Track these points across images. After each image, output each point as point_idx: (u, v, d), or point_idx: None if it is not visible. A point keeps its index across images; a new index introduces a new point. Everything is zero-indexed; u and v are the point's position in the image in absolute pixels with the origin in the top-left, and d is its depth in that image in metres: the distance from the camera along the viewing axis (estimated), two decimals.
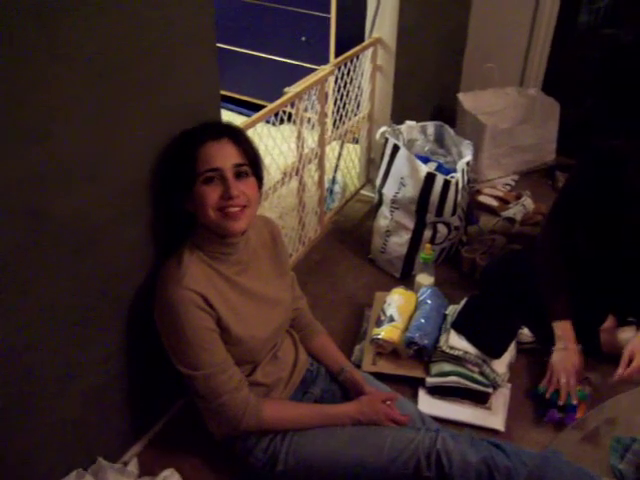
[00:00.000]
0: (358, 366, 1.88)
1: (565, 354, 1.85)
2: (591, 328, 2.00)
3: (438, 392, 1.85)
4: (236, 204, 1.36)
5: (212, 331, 1.38)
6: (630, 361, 1.74)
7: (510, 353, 1.93)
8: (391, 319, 1.96)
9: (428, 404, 1.82)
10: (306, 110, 2.19)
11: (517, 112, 3.03)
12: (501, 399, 1.85)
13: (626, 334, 1.96)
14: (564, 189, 2.02)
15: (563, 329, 1.88)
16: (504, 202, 2.74)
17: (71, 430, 1.43)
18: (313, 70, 2.28)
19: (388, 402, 1.56)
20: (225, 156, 1.35)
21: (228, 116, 3.13)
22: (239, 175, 1.37)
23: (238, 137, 1.40)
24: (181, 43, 1.35)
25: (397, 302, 2.03)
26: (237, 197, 1.35)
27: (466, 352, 1.85)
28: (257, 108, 2.08)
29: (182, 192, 1.38)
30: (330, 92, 2.46)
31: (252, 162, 1.41)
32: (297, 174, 2.26)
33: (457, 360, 1.85)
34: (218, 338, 1.40)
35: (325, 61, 2.28)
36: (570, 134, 3.00)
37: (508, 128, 2.86)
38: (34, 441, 1.34)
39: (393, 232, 2.31)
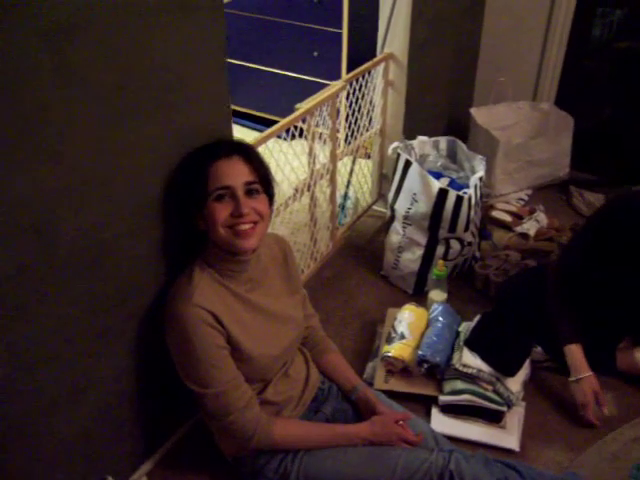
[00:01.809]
0: (370, 384, 1.86)
1: (582, 385, 1.83)
2: (607, 348, 1.99)
3: (451, 411, 1.82)
4: (247, 221, 1.35)
5: (222, 348, 1.37)
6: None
7: (524, 371, 1.90)
8: (402, 336, 1.95)
9: (441, 423, 1.80)
10: (318, 126, 2.18)
11: (530, 126, 3.01)
12: (516, 418, 1.82)
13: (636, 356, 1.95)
14: (588, 222, 2.01)
15: (573, 356, 1.85)
16: (518, 217, 2.71)
17: (80, 448, 1.42)
18: (325, 85, 2.28)
19: (401, 422, 1.53)
20: (236, 174, 1.35)
21: (240, 132, 3.13)
22: (250, 193, 1.37)
23: (249, 154, 1.40)
24: (192, 61, 1.35)
25: (408, 319, 2.01)
26: (248, 215, 1.35)
27: (480, 370, 1.82)
28: (269, 124, 2.08)
29: (193, 210, 1.38)
30: (342, 108, 2.45)
31: (263, 179, 1.41)
32: (309, 190, 2.26)
33: (470, 378, 1.82)
34: (228, 356, 1.39)
35: (337, 76, 2.28)
36: (584, 148, 2.99)
37: (521, 143, 2.84)
38: (42, 458, 1.33)
39: (405, 248, 2.29)
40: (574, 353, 1.85)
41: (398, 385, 1.89)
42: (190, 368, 1.37)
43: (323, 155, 2.31)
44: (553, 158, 2.91)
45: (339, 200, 2.62)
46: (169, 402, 1.66)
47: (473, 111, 2.96)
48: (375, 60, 2.47)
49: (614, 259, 1.89)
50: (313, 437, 1.48)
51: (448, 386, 1.84)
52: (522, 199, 2.88)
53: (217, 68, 1.44)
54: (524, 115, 3.03)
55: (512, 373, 1.84)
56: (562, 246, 2.10)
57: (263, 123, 3.41)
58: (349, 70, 2.33)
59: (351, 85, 2.38)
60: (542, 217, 2.67)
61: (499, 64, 3.12)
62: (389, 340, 1.97)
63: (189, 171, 1.39)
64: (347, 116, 2.48)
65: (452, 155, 2.49)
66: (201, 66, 1.38)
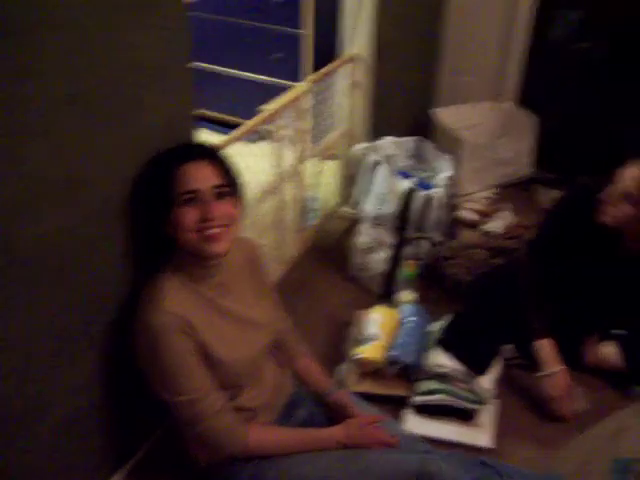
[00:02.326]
0: (342, 387, 1.84)
1: (555, 379, 1.85)
2: (574, 343, 2.00)
3: (425, 411, 1.82)
4: (216, 225, 1.33)
5: (194, 355, 1.34)
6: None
7: (496, 369, 1.91)
8: (372, 337, 1.93)
9: (415, 423, 1.79)
10: (284, 127, 2.16)
11: (494, 126, 3.04)
12: (489, 416, 1.82)
13: (608, 348, 1.97)
14: (547, 217, 2.04)
15: (545, 351, 1.86)
16: (484, 216, 2.73)
17: (46, 460, 1.38)
18: (290, 87, 2.26)
19: (375, 424, 1.52)
20: (204, 177, 1.32)
21: (205, 135, 3.09)
22: (219, 196, 1.34)
23: (216, 157, 1.37)
24: (155, 61, 1.32)
25: (378, 320, 2.00)
26: (217, 219, 1.32)
27: (452, 369, 1.82)
28: (235, 127, 2.05)
29: (161, 215, 1.35)
30: (307, 109, 2.44)
31: (231, 182, 1.38)
32: (276, 192, 2.23)
33: (443, 378, 1.82)
34: (200, 362, 1.36)
35: (302, 78, 2.26)
36: (547, 147, 3.03)
37: (486, 142, 2.87)
38: (7, 472, 1.29)
39: (374, 249, 2.28)
40: (545, 347, 1.86)
41: (370, 387, 1.87)
42: (162, 376, 1.34)
43: (290, 157, 2.29)
44: (517, 157, 2.94)
45: (306, 202, 2.60)
46: (138, 412, 1.62)
47: (438, 111, 2.97)
48: (340, 61, 2.46)
49: (574, 250, 1.91)
50: (288, 442, 1.46)
51: (421, 386, 1.84)
52: (488, 198, 2.90)
53: (181, 72, 1.41)
54: (488, 115, 3.05)
55: (483, 371, 1.85)
56: (527, 242, 2.12)
57: (228, 126, 3.38)
58: (314, 71, 2.31)
59: (316, 86, 2.37)
60: (508, 215, 2.69)
61: (463, 65, 3.15)
62: (360, 342, 1.96)
63: (155, 175, 1.36)
64: (313, 117, 2.46)
65: (419, 155, 2.50)
66: (165, 67, 1.36)
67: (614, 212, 1.76)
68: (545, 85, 3.21)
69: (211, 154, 1.37)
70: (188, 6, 1.35)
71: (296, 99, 2.19)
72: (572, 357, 1.96)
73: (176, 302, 1.32)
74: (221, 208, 1.33)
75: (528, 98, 3.16)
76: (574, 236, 1.90)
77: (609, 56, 3.10)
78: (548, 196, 2.86)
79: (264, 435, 1.45)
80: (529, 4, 2.96)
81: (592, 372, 1.98)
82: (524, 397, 1.92)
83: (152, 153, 1.38)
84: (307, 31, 2.22)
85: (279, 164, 2.20)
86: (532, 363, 1.91)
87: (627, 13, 2.94)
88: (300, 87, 2.24)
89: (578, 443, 1.72)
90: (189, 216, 1.31)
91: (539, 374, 1.87)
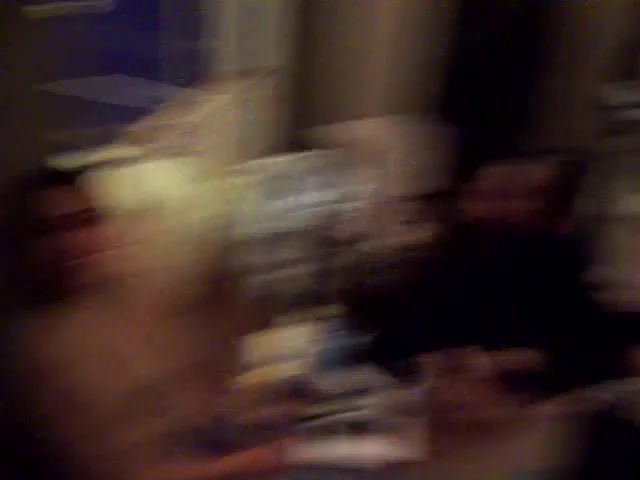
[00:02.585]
0: (243, 412, 1.76)
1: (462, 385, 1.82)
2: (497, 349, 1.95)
3: (337, 431, 1.74)
4: (83, 254, 1.25)
5: (86, 389, 1.26)
6: None
7: (425, 378, 1.85)
8: (271, 360, 1.88)
9: (322, 447, 1.73)
10: (182, 145, 2.10)
11: (405, 138, 3.03)
12: (410, 427, 1.75)
13: (509, 355, 1.90)
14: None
15: (463, 358, 1.83)
16: (407, 225, 2.71)
17: None
18: (191, 102, 2.20)
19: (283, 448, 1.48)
20: (71, 203, 1.25)
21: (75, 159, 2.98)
22: (85, 223, 1.26)
23: (82, 181, 1.30)
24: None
25: (299, 337, 1.97)
26: (84, 246, 1.25)
27: (379, 382, 1.80)
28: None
29: (26, 244, 1.26)
30: (206, 125, 2.38)
31: (100, 207, 1.31)
32: (177, 213, 2.15)
33: (370, 391, 1.79)
34: (94, 396, 1.27)
35: (198, 93, 2.22)
36: (462, 158, 3.04)
37: (396, 155, 2.86)
38: None
39: (282, 266, 2.23)
40: (456, 355, 1.83)
41: (291, 408, 1.77)
42: (50, 419, 1.24)
43: (189, 177, 2.22)
44: (433, 168, 2.96)
45: (211, 222, 2.53)
46: None
47: (349, 125, 2.95)
48: (249, 73, 2.40)
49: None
50: (203, 473, 1.39)
51: (348, 402, 1.78)
52: (400, 210, 2.89)
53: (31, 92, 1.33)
54: (398, 127, 3.05)
55: (412, 381, 1.82)
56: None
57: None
58: (212, 85, 2.27)
59: (226, 99, 2.31)
60: (423, 227, 2.68)
61: (365, 79, 3.13)
62: (255, 366, 1.88)
63: (16, 203, 1.27)
64: (220, 134, 2.40)
65: (337, 169, 2.47)
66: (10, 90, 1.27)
67: (502, 207, 1.76)
68: (460, 98, 3.25)
69: (78, 178, 1.30)
70: (43, 22, 1.27)
71: (193, 114, 2.13)
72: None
73: (60, 336, 1.27)
74: (89, 235, 1.26)
75: (437, 109, 3.18)
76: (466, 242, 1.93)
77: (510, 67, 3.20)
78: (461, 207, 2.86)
79: (174, 469, 1.36)
80: (440, 17, 2.98)
81: (506, 377, 1.90)
82: (454, 405, 1.85)
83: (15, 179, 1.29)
84: (219, 43, 2.17)
85: (177, 184, 2.12)
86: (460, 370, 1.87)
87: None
88: (209, 100, 2.17)
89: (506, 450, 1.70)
90: (55, 244, 1.23)
91: (457, 380, 1.83)
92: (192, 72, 3.02)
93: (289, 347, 1.93)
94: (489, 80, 3.24)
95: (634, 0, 2.29)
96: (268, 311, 2.27)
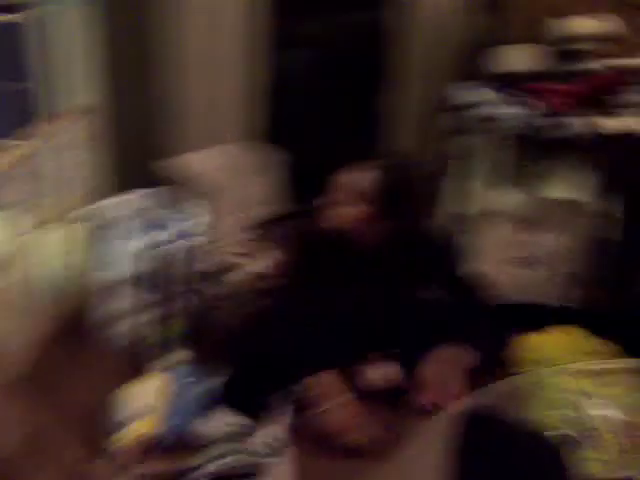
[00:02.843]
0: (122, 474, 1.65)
1: (337, 411, 1.80)
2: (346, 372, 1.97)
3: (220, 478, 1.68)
4: None
5: None
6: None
7: (286, 414, 1.83)
8: (143, 412, 1.77)
9: None
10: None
11: (240, 167, 3.02)
12: (285, 466, 1.73)
13: (386, 365, 1.98)
14: (298, 248, 2.10)
15: (322, 384, 1.83)
16: (249, 257, 2.67)
17: None
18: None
19: None
20: None
21: None
22: None
23: None
24: None
25: (148, 391, 1.84)
26: None
27: (239, 425, 1.73)
28: None
29: None
30: (36, 170, 2.21)
31: None
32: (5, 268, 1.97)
33: (231, 437, 1.72)
34: None
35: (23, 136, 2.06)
36: (298, 183, 3.07)
37: (233, 184, 2.84)
38: None
39: (134, 313, 2.13)
40: (324, 381, 1.82)
41: (153, 466, 1.69)
42: None
43: (21, 225, 2.05)
44: (270, 195, 2.96)
45: (47, 274, 2.34)
46: None
47: (182, 158, 2.87)
48: (67, 114, 2.26)
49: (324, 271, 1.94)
50: None
51: (210, 452, 1.70)
52: (251, 239, 2.86)
53: None
54: (233, 156, 3.03)
55: (272, 420, 1.78)
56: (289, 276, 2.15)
57: None
58: (34, 130, 2.11)
59: (45, 143, 2.15)
60: (272, 254, 2.66)
61: (198, 107, 3.08)
62: (129, 420, 1.77)
63: None
64: (44, 179, 2.23)
65: (171, 205, 2.39)
66: None
67: (342, 215, 1.79)
68: (283, 120, 3.27)
69: None
70: None
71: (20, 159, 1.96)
72: (353, 382, 1.94)
73: None
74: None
75: (270, 135, 3.19)
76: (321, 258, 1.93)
77: (334, 88, 3.28)
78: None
79: None
80: (259, 43, 2.98)
81: (375, 395, 1.95)
82: (320, 437, 1.84)
83: None
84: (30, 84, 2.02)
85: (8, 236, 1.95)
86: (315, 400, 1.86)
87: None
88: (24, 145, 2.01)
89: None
90: None
91: (321, 409, 1.81)
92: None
93: (154, 398, 1.82)
94: (323, 98, 3.33)
95: (470, 2, 2.41)
96: (133, 360, 2.17)
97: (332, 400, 1.80)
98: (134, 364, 2.12)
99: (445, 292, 2.01)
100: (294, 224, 2.89)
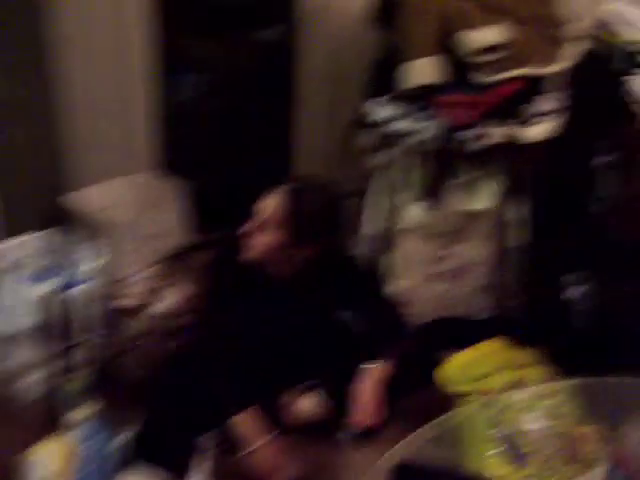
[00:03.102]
0: None
1: (262, 454, 1.67)
2: (269, 408, 1.86)
3: None
4: None
5: None
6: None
7: (205, 465, 1.70)
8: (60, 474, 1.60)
9: None
10: None
11: (140, 200, 2.85)
12: None
13: (306, 401, 1.88)
14: (206, 281, 1.97)
15: (243, 426, 1.70)
16: (148, 298, 2.51)
17: None
18: None
19: None
20: None
21: None
22: None
23: None
24: None
25: (48, 458, 1.65)
26: None
27: None
28: None
29: None
30: None
31: None
32: None
33: None
34: None
35: None
36: (200, 210, 2.94)
37: (133, 219, 2.67)
38: None
39: (25, 372, 1.92)
40: (245, 421, 1.69)
41: None
42: None
43: None
44: (170, 227, 2.80)
45: None
46: None
47: (73, 196, 2.68)
48: None
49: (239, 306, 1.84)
50: None
51: None
52: (148, 277, 2.69)
53: None
54: (128, 190, 2.86)
55: (190, 472, 1.65)
56: (197, 313, 2.05)
57: None
58: None
59: None
60: (174, 292, 2.51)
61: (89, 141, 2.91)
62: None
63: None
64: None
65: (59, 250, 2.20)
66: None
67: (256, 244, 1.71)
68: (183, 149, 3.16)
69: None
70: None
71: None
72: (274, 423, 1.83)
73: None
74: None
75: (170, 165, 3.05)
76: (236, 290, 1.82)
77: (236, 112, 3.18)
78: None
79: None
80: (145, 70, 2.84)
81: (299, 430, 1.86)
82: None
83: None
84: None
85: None
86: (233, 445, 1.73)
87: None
88: None
89: None
90: None
91: (243, 453, 1.68)
92: None
93: (62, 462, 1.63)
94: (225, 122, 3.23)
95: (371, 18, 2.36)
96: (39, 417, 1.95)
97: (256, 441, 1.67)
98: (40, 422, 1.92)
99: (366, 314, 1.95)
100: (204, 256, 2.77)
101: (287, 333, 1.87)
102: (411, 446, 1.36)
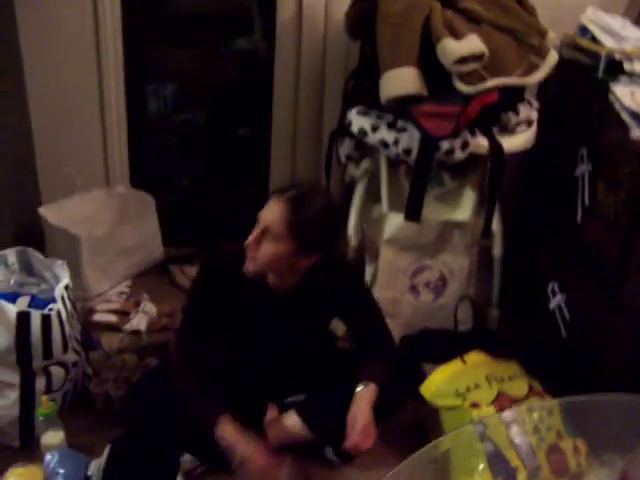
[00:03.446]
0: None
1: (252, 463, 1.62)
2: (255, 425, 1.83)
3: None
4: None
5: None
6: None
7: None
8: None
9: None
10: None
11: (111, 214, 2.77)
12: None
13: (290, 419, 1.82)
14: (189, 296, 1.86)
15: (230, 436, 1.64)
16: (124, 314, 2.43)
17: None
18: None
19: None
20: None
21: None
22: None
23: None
24: None
25: None
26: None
27: None
28: None
29: None
30: None
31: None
32: None
33: None
34: None
35: None
36: (172, 224, 2.88)
37: (105, 234, 2.59)
38: None
39: None
40: (229, 432, 1.63)
41: None
42: None
43: None
44: (143, 241, 2.73)
45: None
46: None
47: (43, 211, 2.60)
48: None
49: (230, 319, 1.78)
50: None
51: None
52: (123, 292, 2.62)
53: None
54: (101, 204, 2.78)
55: None
56: (175, 330, 1.96)
57: None
58: None
59: None
60: (150, 307, 2.44)
61: (61, 155, 2.83)
62: None
63: None
64: None
65: (27, 268, 2.11)
66: None
67: (260, 254, 1.64)
68: (153, 161, 3.10)
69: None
70: None
71: None
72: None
73: None
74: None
75: (140, 178, 2.99)
76: (226, 304, 1.75)
77: (206, 123, 3.18)
78: (186, 274, 2.71)
79: None
80: (117, 82, 2.77)
81: (284, 448, 1.79)
82: None
83: None
84: None
85: None
86: (217, 463, 1.69)
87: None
88: None
89: None
90: None
91: (233, 464, 1.62)
92: None
93: None
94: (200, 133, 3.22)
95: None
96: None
97: (246, 449, 1.63)
98: (13, 445, 1.85)
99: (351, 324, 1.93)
100: (186, 269, 2.72)
101: (285, 347, 1.83)
102: (407, 469, 1.31)
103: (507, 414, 1.70)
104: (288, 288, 1.75)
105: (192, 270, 2.66)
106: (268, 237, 1.60)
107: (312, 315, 1.84)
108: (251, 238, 1.62)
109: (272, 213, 1.60)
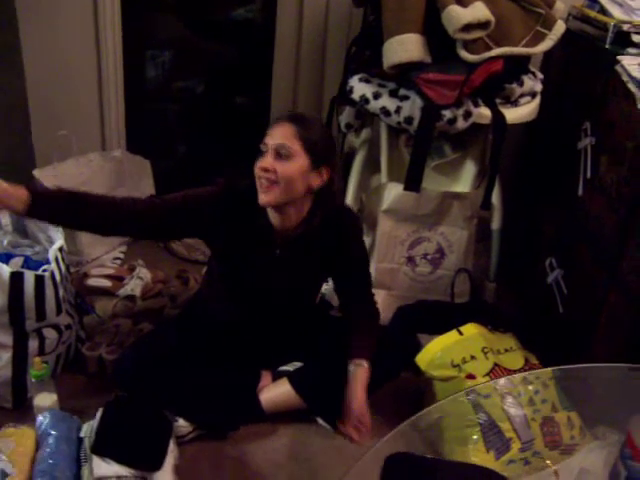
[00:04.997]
0: None
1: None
2: (249, 391, 1.85)
3: None
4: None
5: None
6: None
7: (172, 455, 1.61)
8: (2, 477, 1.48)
9: None
10: None
11: (107, 178, 2.74)
12: None
13: (284, 387, 1.83)
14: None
15: None
16: (118, 279, 2.41)
17: None
18: None
19: None
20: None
21: None
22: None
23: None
24: None
25: (7, 449, 1.53)
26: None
27: (118, 477, 1.49)
28: None
29: None
30: None
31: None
32: None
33: None
34: None
35: None
36: (167, 190, 2.85)
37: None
38: None
39: None
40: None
41: None
42: None
43: None
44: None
45: None
46: None
47: (37, 173, 2.56)
48: None
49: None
50: None
51: None
52: (118, 258, 2.60)
53: None
54: (97, 167, 2.74)
55: (157, 466, 1.55)
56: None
57: None
58: None
59: None
60: (145, 272, 2.42)
61: (57, 118, 2.78)
62: None
63: None
64: None
65: (21, 229, 2.09)
66: None
67: (277, 178, 1.60)
68: (150, 127, 3.07)
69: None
70: None
71: None
72: (249, 408, 1.82)
73: None
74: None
75: (137, 142, 2.96)
76: (228, 240, 1.75)
77: (205, 91, 3.15)
78: (181, 241, 2.69)
79: None
80: (115, 48, 2.73)
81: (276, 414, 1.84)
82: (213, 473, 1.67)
83: None
84: None
85: None
86: (215, 431, 1.71)
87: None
88: None
89: None
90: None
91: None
92: None
93: (18, 457, 1.52)
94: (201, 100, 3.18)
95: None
96: None
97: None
98: (6, 405, 1.84)
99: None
100: None
101: (279, 301, 1.83)
102: (399, 438, 1.31)
103: (502, 383, 1.70)
104: (290, 232, 1.72)
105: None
106: (282, 158, 1.58)
107: (308, 268, 1.82)
108: (265, 163, 1.59)
109: (282, 132, 1.59)
